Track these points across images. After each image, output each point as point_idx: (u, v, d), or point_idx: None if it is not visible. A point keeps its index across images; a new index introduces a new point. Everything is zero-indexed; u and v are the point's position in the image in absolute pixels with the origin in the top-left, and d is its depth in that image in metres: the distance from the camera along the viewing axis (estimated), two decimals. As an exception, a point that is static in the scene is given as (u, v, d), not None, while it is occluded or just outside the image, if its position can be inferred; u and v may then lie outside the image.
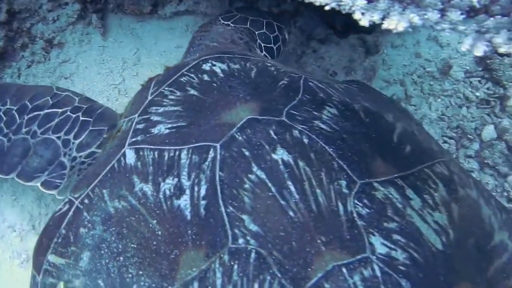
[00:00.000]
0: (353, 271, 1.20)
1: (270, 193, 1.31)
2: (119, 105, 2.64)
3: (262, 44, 2.29)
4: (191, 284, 1.21)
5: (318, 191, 1.32)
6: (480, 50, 1.02)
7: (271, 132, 1.43)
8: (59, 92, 2.04)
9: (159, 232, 1.31)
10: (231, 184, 1.34)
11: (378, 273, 1.21)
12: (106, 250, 1.35)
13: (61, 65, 2.77)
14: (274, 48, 2.32)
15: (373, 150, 1.48)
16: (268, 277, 1.19)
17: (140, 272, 1.28)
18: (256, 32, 2.29)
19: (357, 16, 1.15)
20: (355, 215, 1.30)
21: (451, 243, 1.35)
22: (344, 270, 1.19)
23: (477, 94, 2.68)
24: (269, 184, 1.32)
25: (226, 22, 2.30)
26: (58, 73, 2.74)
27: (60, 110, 1.97)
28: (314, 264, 1.20)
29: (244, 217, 1.27)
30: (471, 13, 1.08)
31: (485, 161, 2.47)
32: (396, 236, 1.28)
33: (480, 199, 1.54)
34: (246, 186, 1.33)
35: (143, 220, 1.35)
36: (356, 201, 1.32)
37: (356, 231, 1.27)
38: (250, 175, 1.34)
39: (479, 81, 2.73)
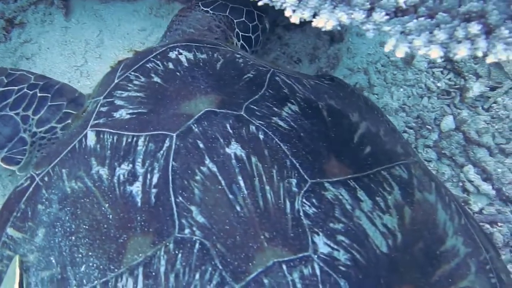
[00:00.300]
0: (292, 269, 1.22)
1: (220, 187, 1.33)
2: (81, 87, 2.61)
3: (240, 33, 2.27)
4: (136, 269, 1.25)
5: (267, 187, 1.34)
6: (401, 51, 1.03)
7: (228, 126, 1.45)
8: (13, 72, 2.03)
9: (110, 216, 1.34)
10: (183, 174, 1.35)
11: (318, 272, 1.23)
12: (60, 228, 1.38)
13: (23, 45, 2.73)
14: (252, 37, 2.30)
15: (329, 150, 1.49)
16: (210, 268, 1.21)
17: (90, 253, 1.31)
18: (235, 21, 2.27)
19: (287, 13, 1.16)
20: (301, 213, 1.31)
21: (397, 246, 1.37)
22: (284, 267, 1.22)
23: (439, 84, 2.71)
24: (220, 178, 1.34)
25: (205, 9, 2.27)
26: (19, 53, 2.70)
27: (16, 88, 1.97)
28: (255, 259, 1.22)
29: (193, 208, 1.30)
30: (398, 13, 1.09)
31: (443, 152, 2.51)
32: (340, 237, 1.30)
33: (438, 203, 1.55)
34: (197, 178, 1.35)
35: (96, 203, 1.38)
36: (304, 200, 1.34)
37: (300, 229, 1.29)
38: (202, 167, 1.36)
39: (441, 72, 2.75)
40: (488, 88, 2.60)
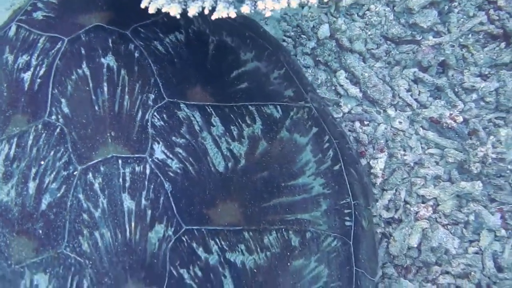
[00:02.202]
0: (126, 164, 1.54)
1: (87, 88, 1.65)
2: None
3: None
4: (12, 138, 1.64)
5: (126, 97, 1.63)
6: (153, 8, 1.21)
7: (110, 40, 1.72)
8: None
9: (5, 94, 1.72)
10: (63, 73, 1.68)
11: (148, 172, 1.54)
12: None
13: None
14: None
15: (198, 78, 1.74)
16: (62, 149, 1.57)
17: None
18: None
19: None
20: (149, 124, 1.60)
21: (236, 170, 1.63)
22: (119, 161, 1.54)
23: (319, -7, 2.83)
24: (89, 81, 1.65)
25: None
26: None
27: None
28: (99, 151, 1.56)
29: (63, 100, 1.64)
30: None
31: (317, 59, 2.71)
32: (178, 149, 1.59)
33: (309, 146, 1.79)
34: (73, 77, 1.67)
35: None
36: (155, 113, 1.62)
37: (143, 136, 1.59)
38: (78, 70, 1.67)
39: (322, -19, 2.86)
40: (361, -4, 2.75)
